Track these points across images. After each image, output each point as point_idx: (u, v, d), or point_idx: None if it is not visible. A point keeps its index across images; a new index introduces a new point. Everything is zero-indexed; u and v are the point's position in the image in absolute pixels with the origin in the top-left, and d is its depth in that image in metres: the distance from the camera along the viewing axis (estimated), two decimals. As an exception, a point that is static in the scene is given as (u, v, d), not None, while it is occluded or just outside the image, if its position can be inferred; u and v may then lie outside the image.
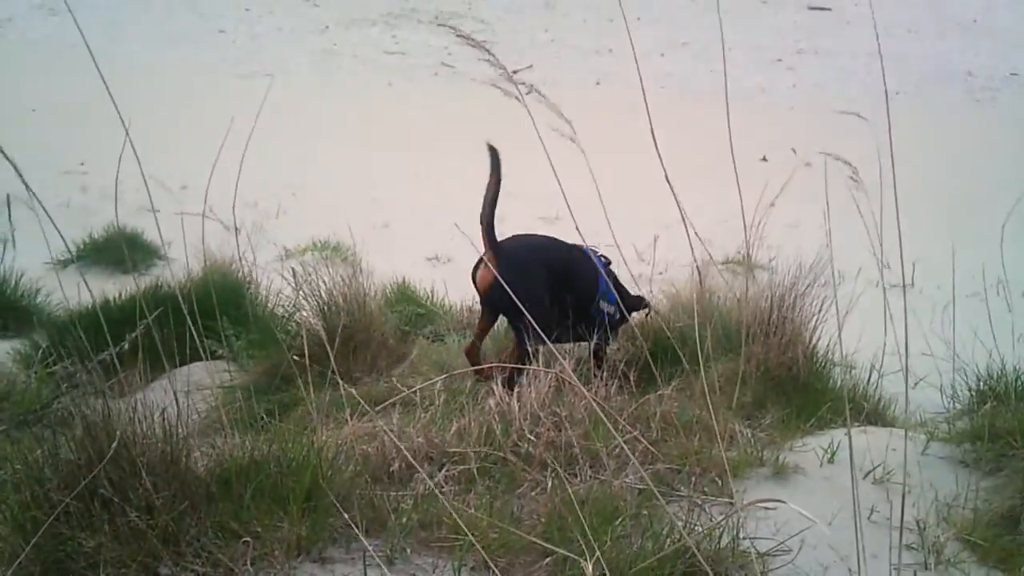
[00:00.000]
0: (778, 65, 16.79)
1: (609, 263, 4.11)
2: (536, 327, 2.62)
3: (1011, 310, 5.97)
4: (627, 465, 2.97)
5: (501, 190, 3.62)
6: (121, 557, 2.25)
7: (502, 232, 3.72)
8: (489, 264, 3.60)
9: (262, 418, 3.33)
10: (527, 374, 3.37)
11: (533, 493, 2.88)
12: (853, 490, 1.97)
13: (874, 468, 3.05)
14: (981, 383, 3.78)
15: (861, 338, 3.75)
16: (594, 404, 2.93)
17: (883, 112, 2.47)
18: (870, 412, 3.86)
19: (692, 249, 3.05)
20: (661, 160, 2.61)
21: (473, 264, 3.88)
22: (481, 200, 3.64)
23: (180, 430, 2.45)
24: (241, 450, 2.54)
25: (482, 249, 3.65)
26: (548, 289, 3.77)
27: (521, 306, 2.70)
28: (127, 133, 2.62)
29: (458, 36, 2.66)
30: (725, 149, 3.00)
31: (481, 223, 3.65)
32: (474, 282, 3.85)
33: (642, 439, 3.01)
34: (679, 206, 2.69)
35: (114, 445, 2.28)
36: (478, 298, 3.95)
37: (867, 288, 4.44)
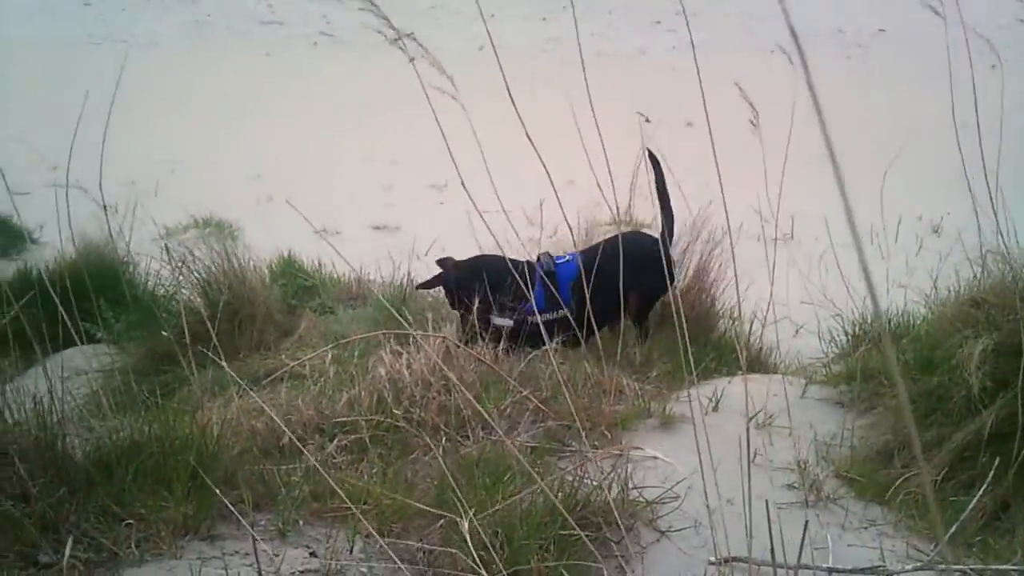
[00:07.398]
0: (658, 27, 17.02)
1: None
2: None
3: (884, 257, 6.23)
4: (518, 425, 3.00)
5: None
6: (-3, 547, 2.16)
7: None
8: None
9: (145, 400, 3.23)
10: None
11: (426, 458, 2.88)
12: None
13: (756, 412, 3.15)
14: (856, 328, 3.93)
15: (746, 290, 3.86)
16: (483, 364, 2.94)
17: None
18: (752, 360, 3.98)
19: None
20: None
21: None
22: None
23: (54, 415, 2.36)
24: (120, 432, 2.46)
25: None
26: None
27: None
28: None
29: None
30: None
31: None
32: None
33: (532, 398, 3.04)
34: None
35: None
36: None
37: (748, 243, 4.56)
